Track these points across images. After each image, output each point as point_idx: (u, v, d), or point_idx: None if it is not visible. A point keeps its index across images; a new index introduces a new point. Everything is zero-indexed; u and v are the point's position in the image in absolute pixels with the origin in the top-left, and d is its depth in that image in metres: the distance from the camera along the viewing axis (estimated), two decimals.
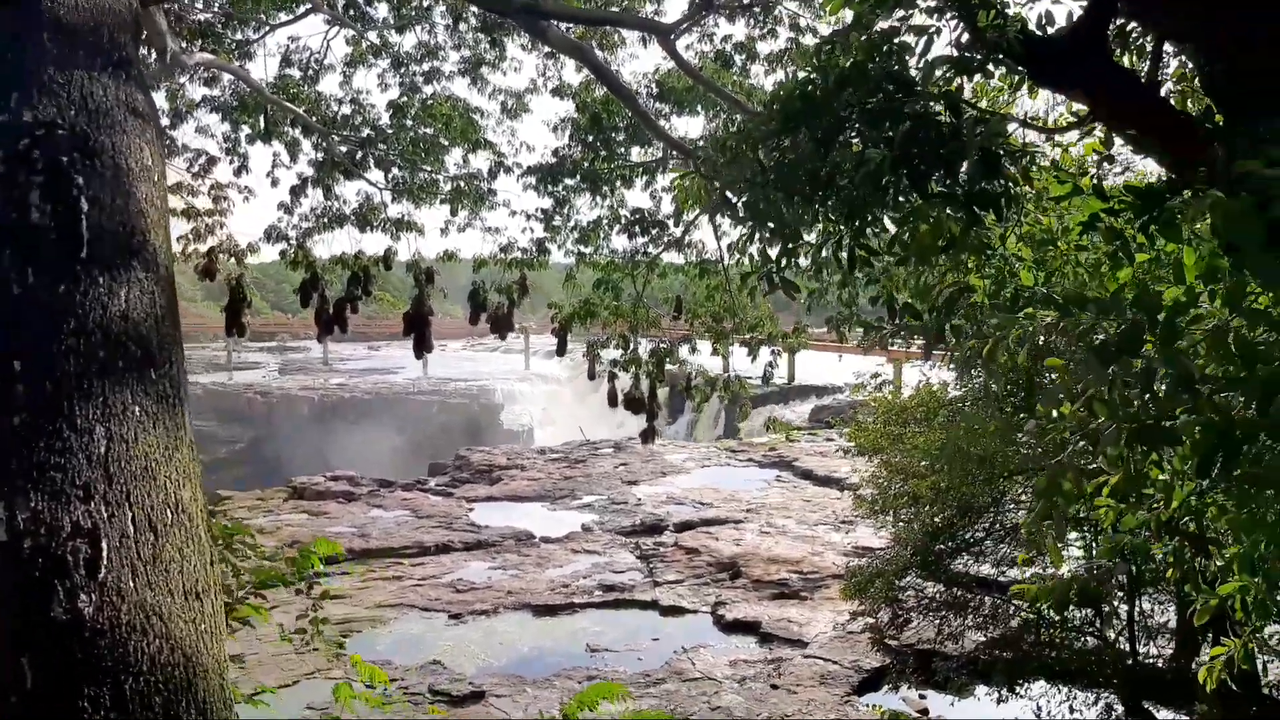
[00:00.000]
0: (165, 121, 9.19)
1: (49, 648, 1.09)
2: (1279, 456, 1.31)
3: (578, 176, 8.34)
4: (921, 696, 10.50)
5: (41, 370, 1.28)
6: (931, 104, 2.11)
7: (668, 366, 9.73)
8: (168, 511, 1.35)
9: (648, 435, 9.96)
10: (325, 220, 9.13)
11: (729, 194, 2.48)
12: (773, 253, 2.35)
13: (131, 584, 1.20)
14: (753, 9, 7.21)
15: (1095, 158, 2.77)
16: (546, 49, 8.60)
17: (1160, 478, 2.41)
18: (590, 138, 8.06)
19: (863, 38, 2.21)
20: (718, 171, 2.36)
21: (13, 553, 1.13)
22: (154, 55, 6.52)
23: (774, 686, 10.88)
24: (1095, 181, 2.15)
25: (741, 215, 2.38)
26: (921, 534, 9.66)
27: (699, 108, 8.30)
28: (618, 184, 8.25)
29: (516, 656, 11.93)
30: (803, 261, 2.41)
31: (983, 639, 10.04)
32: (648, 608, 14.13)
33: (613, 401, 9.76)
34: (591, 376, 10.09)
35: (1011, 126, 2.35)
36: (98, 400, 1.31)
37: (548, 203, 8.64)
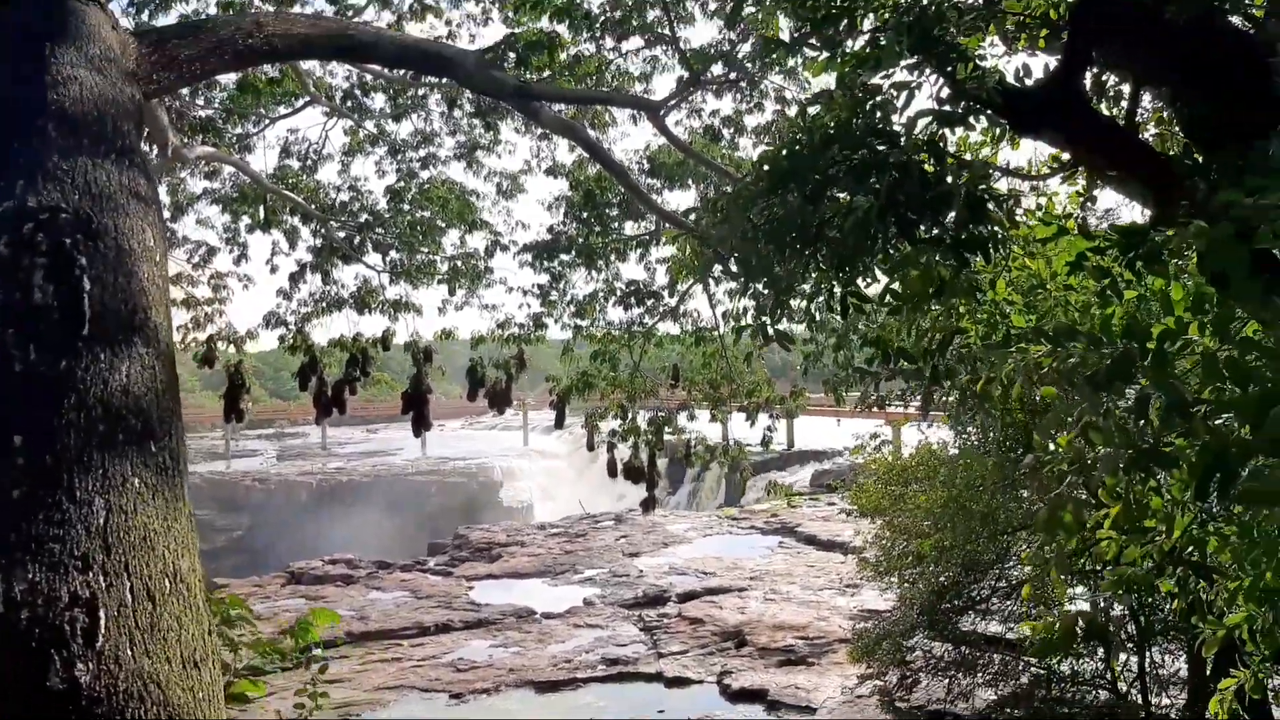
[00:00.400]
0: (166, 214, 9.36)
1: (47, 717, 1.08)
2: (1275, 473, 1.33)
3: (573, 251, 8.46)
4: None
5: (42, 444, 1.30)
6: (915, 155, 2.17)
7: (667, 435, 9.72)
8: (166, 581, 1.35)
9: (648, 504, 9.90)
10: (324, 304, 9.22)
11: (721, 252, 2.52)
12: (766, 306, 2.40)
13: (129, 652, 1.20)
14: (739, 84, 7.42)
15: (1079, 201, 2.84)
16: (540, 130, 8.80)
17: (1160, 507, 2.42)
18: (584, 214, 8.20)
19: (846, 96, 2.29)
20: (710, 231, 2.40)
21: (10, 624, 1.13)
22: (155, 150, 6.65)
23: None
24: (1080, 222, 2.20)
25: (734, 271, 2.42)
26: (927, 593, 9.55)
27: (690, 181, 8.46)
28: (612, 257, 8.36)
29: None
30: (796, 310, 2.45)
31: (994, 697, 9.86)
32: (652, 680, 13.86)
33: (612, 472, 9.72)
34: (591, 448, 10.06)
35: (995, 175, 2.41)
36: (97, 472, 1.33)
37: (544, 278, 8.77)
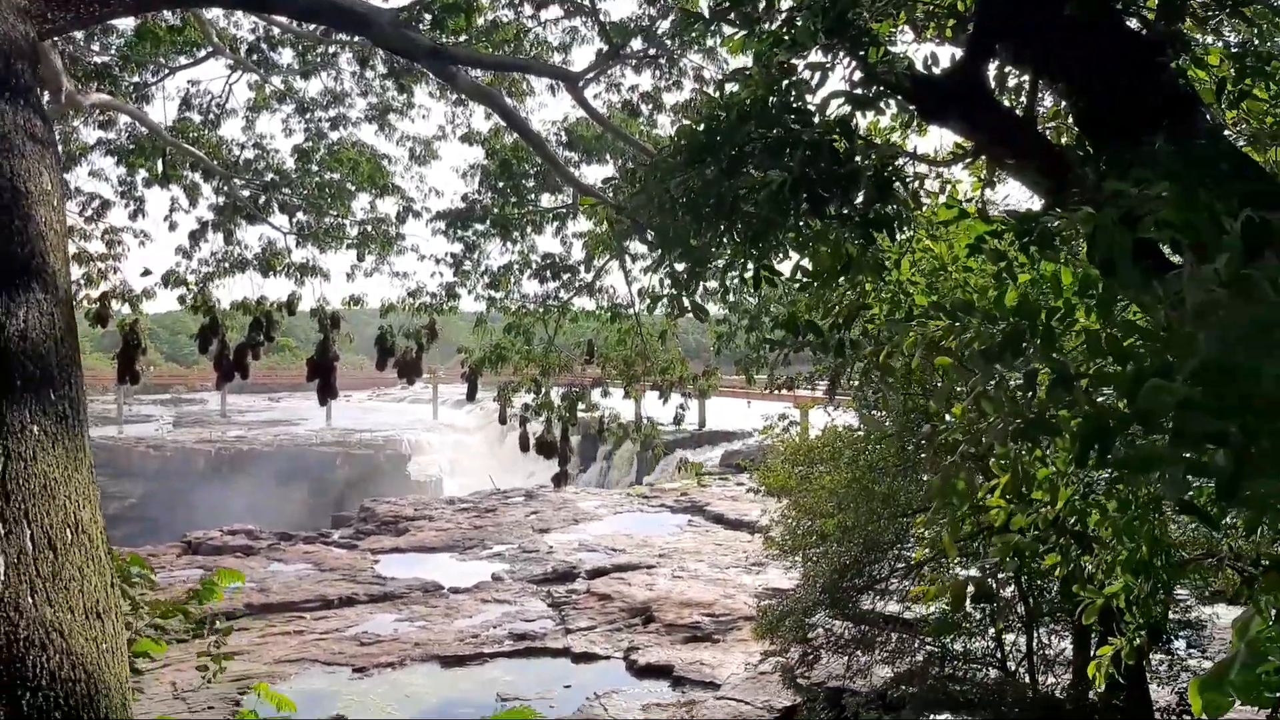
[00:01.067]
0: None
1: None
2: (1146, 443, 1.44)
3: (488, 221, 8.36)
4: None
5: None
6: (828, 134, 2.24)
7: (580, 412, 9.74)
8: (67, 531, 1.32)
9: (560, 479, 9.92)
10: (226, 265, 8.91)
11: (640, 223, 2.55)
12: (682, 278, 2.44)
13: (30, 600, 1.18)
14: (658, 60, 7.42)
15: (979, 187, 2.96)
16: (455, 96, 8.65)
17: (1045, 478, 2.56)
18: (500, 183, 8.10)
19: (763, 74, 2.34)
20: (628, 203, 2.43)
21: None
22: (47, 95, 6.31)
23: None
24: (979, 207, 2.30)
25: (650, 240, 2.46)
26: (829, 572, 9.83)
27: (608, 155, 8.44)
28: (528, 229, 8.30)
29: (424, 708, 11.61)
30: (710, 283, 2.51)
31: (890, 674, 10.22)
32: (559, 655, 13.95)
33: (524, 446, 9.70)
34: (503, 421, 10.01)
35: (902, 160, 2.50)
36: None
37: (457, 248, 8.65)
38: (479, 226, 8.42)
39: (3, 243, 1.50)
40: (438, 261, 8.90)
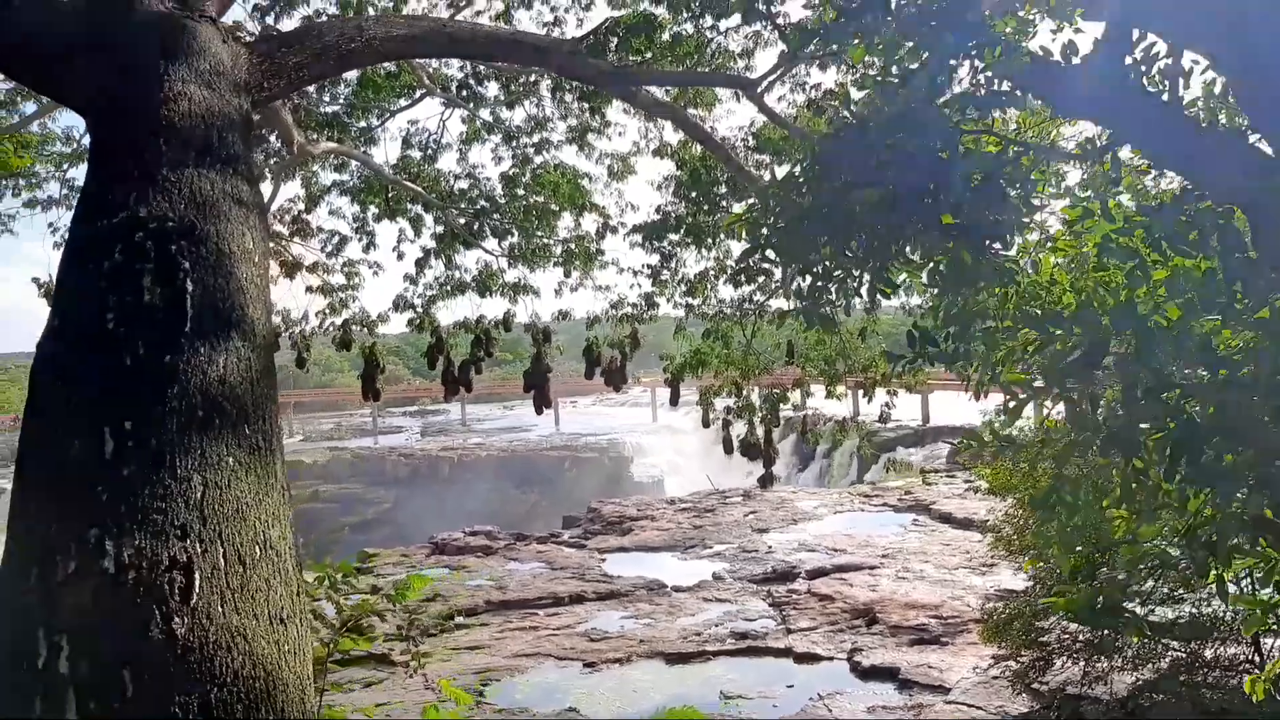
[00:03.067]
0: (300, 206, 10.04)
1: (147, 662, 1.28)
2: (1233, 457, 1.29)
3: (682, 231, 8.53)
4: None
5: (149, 429, 1.49)
6: (943, 140, 2.15)
7: (785, 414, 9.71)
8: (256, 548, 1.53)
9: (765, 481, 9.91)
10: (448, 288, 9.64)
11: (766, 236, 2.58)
12: (804, 289, 2.43)
13: (220, 609, 1.38)
14: (841, 55, 7.27)
15: (1129, 181, 2.71)
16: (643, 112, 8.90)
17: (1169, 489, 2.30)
18: (692, 193, 8.24)
19: (882, 81, 2.28)
20: (759, 219, 2.46)
21: (120, 584, 1.33)
22: (283, 146, 7.12)
23: None
24: (1102, 204, 2.11)
25: (774, 258, 2.47)
26: (1059, 570, 9.21)
27: (797, 156, 8.34)
28: (721, 235, 8.38)
29: (650, 704, 11.92)
30: (834, 296, 2.47)
31: (1132, 681, 9.43)
32: (781, 655, 13.91)
33: (728, 449, 9.78)
34: (706, 425, 10.14)
35: (1016, 158, 2.33)
36: (195, 453, 1.51)
37: (654, 258, 8.88)
38: (673, 236, 8.61)
39: (208, 299, 1.75)
40: (636, 273, 9.22)
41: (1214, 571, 2.71)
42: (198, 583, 1.39)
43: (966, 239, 2.12)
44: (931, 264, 2.26)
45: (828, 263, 2.37)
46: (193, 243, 1.87)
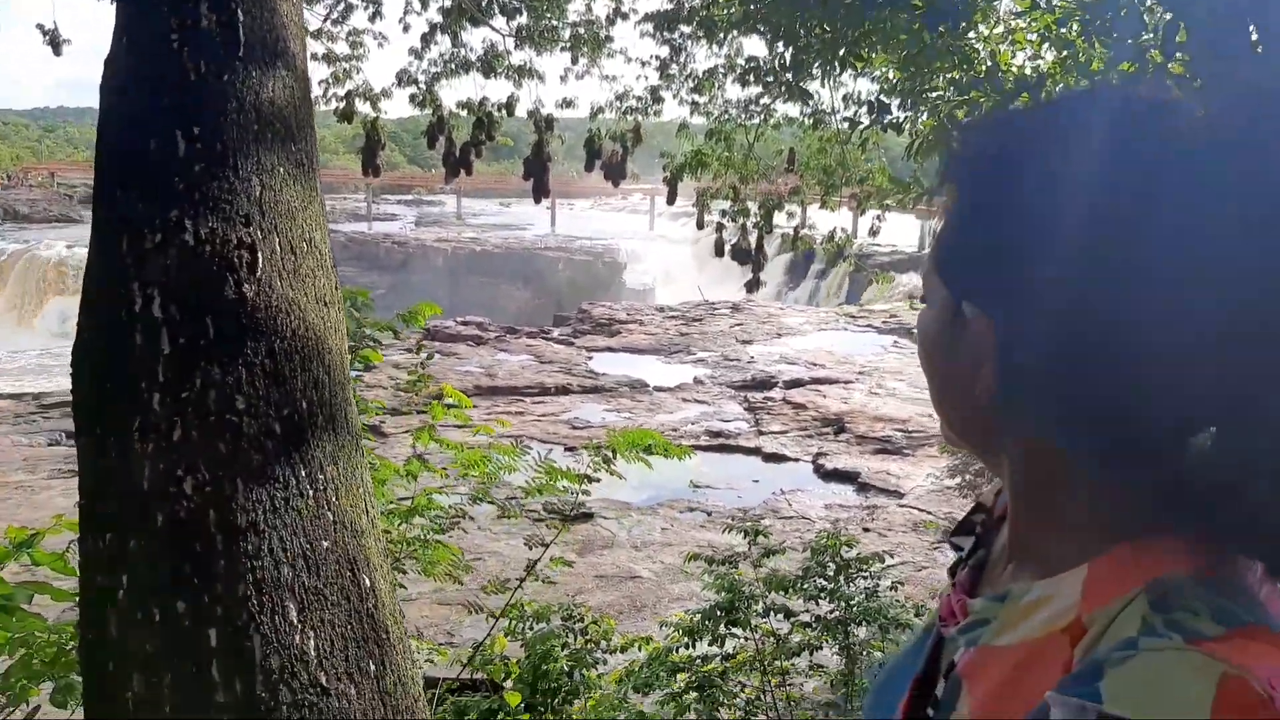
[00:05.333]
0: None
1: (225, 314, 1.59)
2: None
3: (694, 23, 8.40)
4: None
5: (214, 135, 1.75)
6: None
7: (786, 221, 9.92)
8: (304, 244, 1.82)
9: (752, 285, 10.25)
10: (452, 66, 9.54)
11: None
12: (787, 60, 2.61)
13: (278, 284, 1.69)
14: None
15: None
16: None
17: None
18: None
19: None
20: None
21: (199, 253, 1.63)
22: None
23: (866, 530, 11.41)
24: None
25: (763, 30, 2.63)
26: None
27: None
28: (734, 32, 8.24)
29: (624, 486, 12.79)
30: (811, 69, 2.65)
31: None
32: (751, 454, 14.80)
33: (719, 252, 10.04)
34: (700, 226, 10.35)
35: None
36: (254, 159, 1.78)
37: (664, 50, 8.79)
38: (685, 29, 8.48)
39: (256, 30, 1.96)
40: (644, 64, 9.11)
41: None
42: (260, 261, 1.68)
43: (929, 19, 2.28)
44: (898, 42, 2.44)
45: (809, 36, 2.54)
46: None
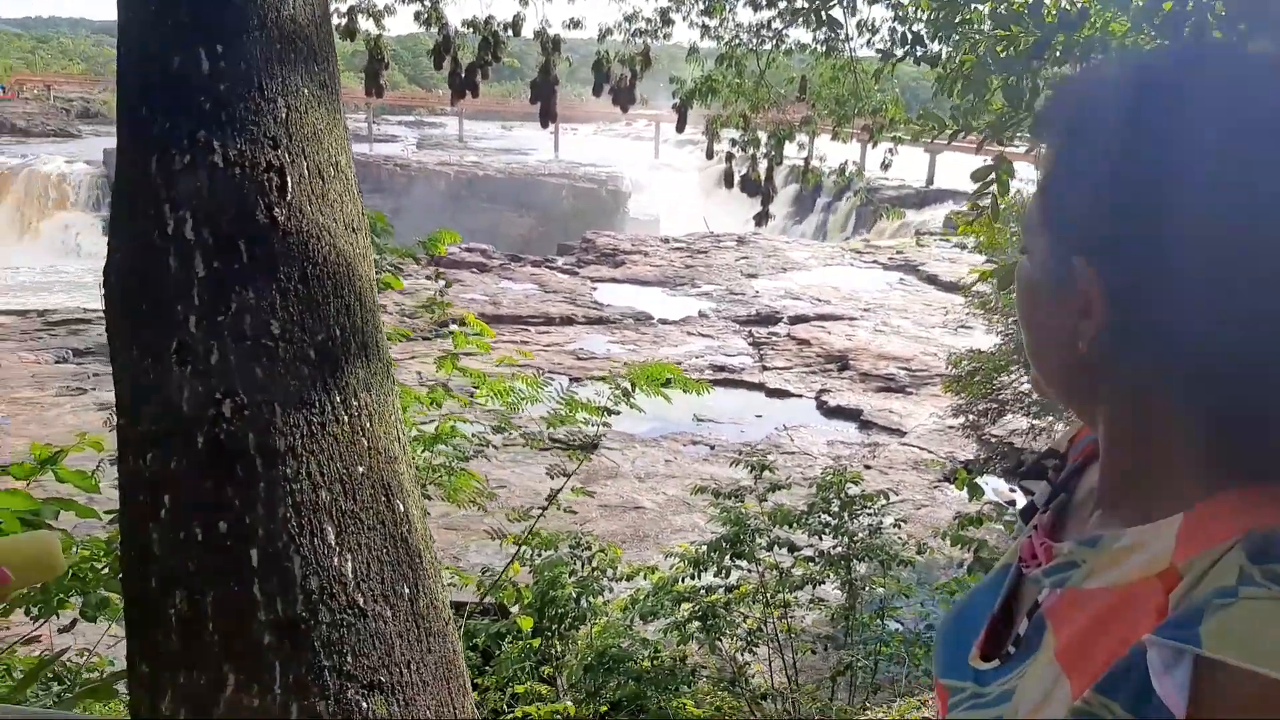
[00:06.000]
0: None
1: (257, 238, 1.58)
2: None
3: None
4: (1011, 489, 10.90)
5: (237, 53, 1.71)
6: None
7: (797, 151, 9.76)
8: (330, 168, 1.79)
9: (761, 219, 10.15)
10: None
11: None
12: None
13: (308, 208, 1.67)
14: None
15: None
16: None
17: None
18: None
19: None
20: None
21: (229, 175, 1.61)
22: None
23: (867, 467, 11.53)
24: None
25: None
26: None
27: None
28: None
29: (629, 417, 12.88)
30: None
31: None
32: (754, 389, 14.88)
33: (729, 183, 9.92)
34: (710, 155, 10.20)
35: None
36: (278, 80, 1.74)
37: None
38: None
39: None
40: None
41: None
42: (290, 185, 1.66)
43: None
44: None
45: None
46: None
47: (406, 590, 1.54)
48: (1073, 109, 0.68)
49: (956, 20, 2.54)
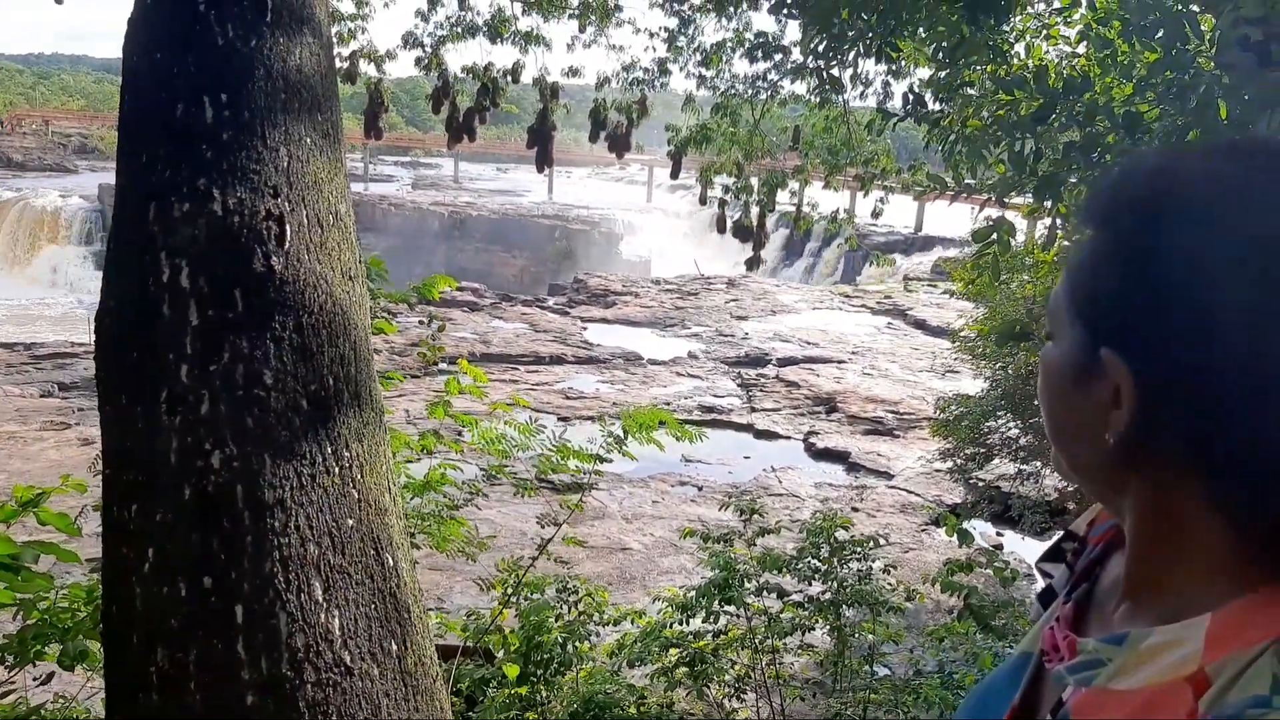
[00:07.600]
0: None
1: (253, 287, 1.58)
2: None
3: None
4: (999, 534, 10.89)
5: (242, 102, 1.72)
6: None
7: (788, 198, 9.86)
8: (330, 216, 1.79)
9: (752, 263, 10.21)
10: (459, 30, 9.40)
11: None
12: (821, 50, 2.60)
13: (306, 257, 1.66)
14: None
15: None
16: None
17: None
18: None
19: None
20: None
21: (228, 224, 1.60)
22: None
23: (855, 509, 11.48)
24: None
25: (798, 16, 2.61)
26: (1014, 377, 9.81)
27: None
28: (744, 4, 8.15)
29: (617, 458, 12.82)
30: (847, 57, 2.63)
31: (1061, 485, 10.29)
32: (743, 430, 14.86)
33: (721, 228, 9.99)
34: (703, 202, 10.27)
35: None
36: (281, 129, 1.75)
37: (673, 22, 8.67)
38: (695, 0, 8.37)
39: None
40: (652, 35, 8.99)
41: None
42: (289, 233, 1.66)
43: (970, 11, 2.26)
44: (936, 34, 2.41)
45: (845, 23, 2.52)
46: None
47: (394, 647, 1.52)
48: (1108, 200, 0.68)
49: (957, 83, 2.59)
